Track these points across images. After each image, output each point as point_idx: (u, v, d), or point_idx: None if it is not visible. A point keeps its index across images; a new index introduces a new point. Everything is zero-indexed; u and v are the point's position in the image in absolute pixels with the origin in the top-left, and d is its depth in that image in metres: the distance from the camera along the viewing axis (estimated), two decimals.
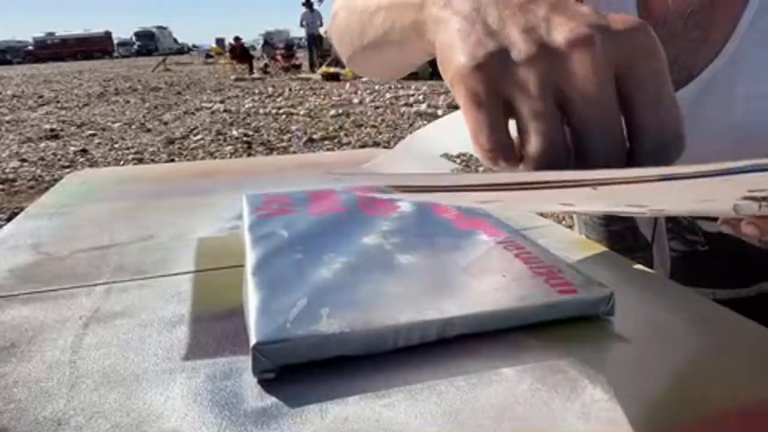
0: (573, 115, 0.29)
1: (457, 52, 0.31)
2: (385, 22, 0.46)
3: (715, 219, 0.60)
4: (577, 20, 0.29)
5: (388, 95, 8.29)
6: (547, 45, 0.29)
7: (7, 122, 6.08)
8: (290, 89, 9.97)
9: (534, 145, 0.29)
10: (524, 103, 0.29)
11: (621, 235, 0.69)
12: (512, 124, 0.31)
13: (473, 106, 0.30)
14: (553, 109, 0.29)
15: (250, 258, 0.46)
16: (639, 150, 0.29)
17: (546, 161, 0.29)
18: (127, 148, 4.58)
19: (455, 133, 0.49)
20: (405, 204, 0.58)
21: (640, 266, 0.50)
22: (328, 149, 4.85)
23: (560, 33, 0.29)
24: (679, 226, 0.62)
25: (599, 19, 0.29)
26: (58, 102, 7.91)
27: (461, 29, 0.32)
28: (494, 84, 0.30)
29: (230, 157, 4.40)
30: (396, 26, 0.44)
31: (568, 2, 0.31)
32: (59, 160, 4.21)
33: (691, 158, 0.66)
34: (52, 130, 5.51)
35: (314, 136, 5.39)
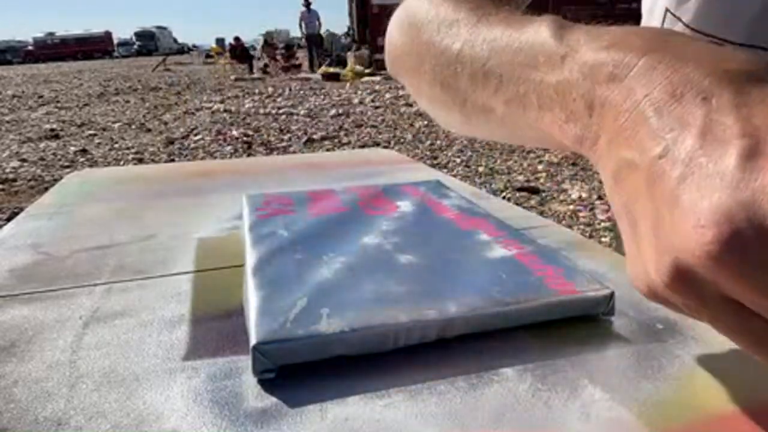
0: None
1: (687, 215, 0.20)
2: (489, 77, 0.34)
3: None
4: None
5: (388, 95, 8.29)
6: None
7: (8, 122, 6.09)
8: (290, 89, 9.97)
9: None
10: None
11: None
12: None
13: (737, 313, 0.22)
14: None
15: (250, 258, 0.46)
16: None
17: None
18: (127, 148, 4.58)
19: None
20: (405, 204, 0.58)
21: None
22: (328, 149, 4.85)
23: None
24: None
25: None
26: (58, 102, 7.91)
27: (677, 157, 0.20)
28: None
29: (230, 157, 4.40)
30: (505, 84, 0.32)
31: None
32: (59, 160, 4.21)
33: None
34: (52, 130, 5.51)
35: (314, 136, 5.39)
